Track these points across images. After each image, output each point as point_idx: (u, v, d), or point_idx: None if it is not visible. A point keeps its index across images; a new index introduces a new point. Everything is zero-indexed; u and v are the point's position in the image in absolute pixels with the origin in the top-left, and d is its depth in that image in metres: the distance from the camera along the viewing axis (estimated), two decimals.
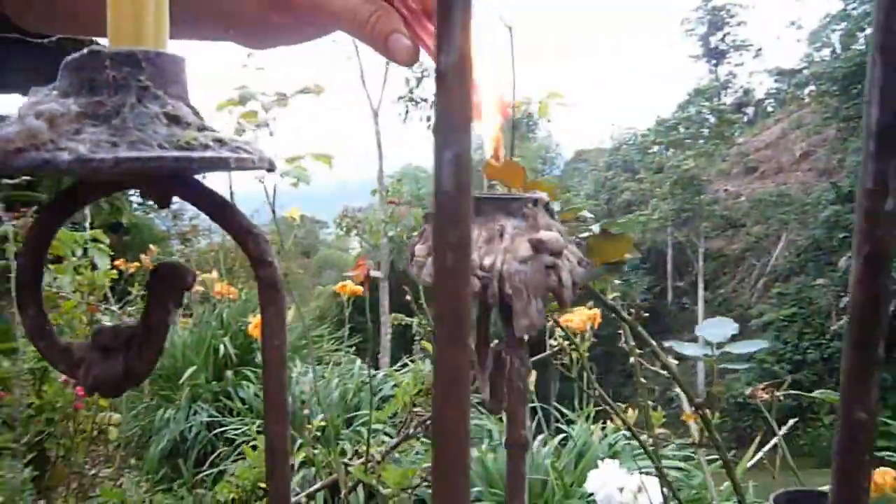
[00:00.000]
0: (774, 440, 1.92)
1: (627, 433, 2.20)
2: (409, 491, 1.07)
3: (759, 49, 26.36)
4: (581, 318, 1.40)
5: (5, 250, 3.34)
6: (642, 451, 1.25)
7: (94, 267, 3.11)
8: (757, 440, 1.55)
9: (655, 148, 22.09)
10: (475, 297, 0.26)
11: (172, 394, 3.19)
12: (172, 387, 3.22)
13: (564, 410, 2.93)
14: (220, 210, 0.21)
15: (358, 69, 11.19)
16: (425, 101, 12.45)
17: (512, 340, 0.25)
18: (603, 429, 2.67)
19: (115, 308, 2.63)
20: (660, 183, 20.13)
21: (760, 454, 1.58)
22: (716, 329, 0.60)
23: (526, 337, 0.25)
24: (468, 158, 0.11)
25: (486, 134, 0.31)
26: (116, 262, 5.30)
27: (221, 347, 3.27)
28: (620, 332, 0.98)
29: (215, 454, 2.79)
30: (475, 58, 0.32)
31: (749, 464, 2.22)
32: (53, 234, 0.20)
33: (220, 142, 0.18)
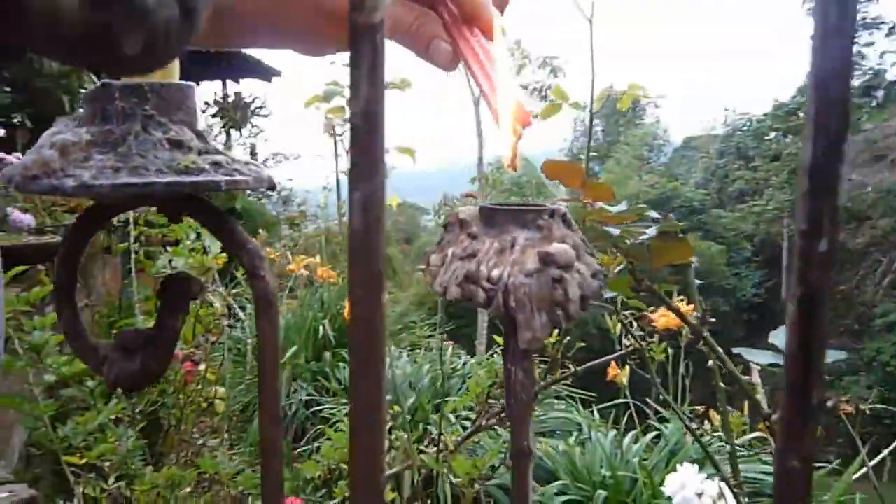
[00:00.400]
0: (885, 452, 1.79)
1: (720, 435, 2.11)
2: (480, 481, 1.08)
3: (893, 27, 24.25)
4: (670, 317, 1.35)
5: (129, 232, 3.62)
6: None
7: (205, 251, 3.32)
8: (864, 450, 1.45)
9: (772, 134, 20.89)
10: (481, 308, 0.26)
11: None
12: None
13: (658, 408, 2.85)
14: (220, 227, 0.22)
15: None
16: (526, 88, 12.33)
17: (516, 353, 0.25)
18: (698, 428, 2.58)
19: (221, 290, 2.79)
20: (776, 171, 19.04)
21: (869, 466, 1.48)
22: None
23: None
24: (377, 199, 0.12)
25: (503, 142, 0.31)
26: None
27: (321, 329, 3.40)
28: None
29: (313, 431, 2.92)
30: (494, 65, 0.32)
31: (856, 475, 2.08)
32: (83, 247, 0.23)
33: (217, 165, 0.20)
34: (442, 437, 1.26)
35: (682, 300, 1.29)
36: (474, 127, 12.18)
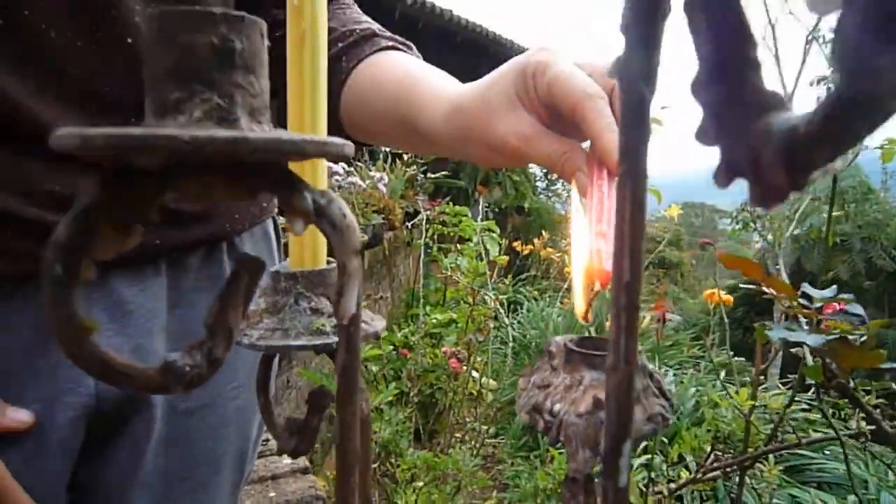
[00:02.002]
0: None
1: None
2: None
3: None
4: None
5: (425, 231, 4.06)
6: None
7: (486, 252, 3.60)
8: None
9: None
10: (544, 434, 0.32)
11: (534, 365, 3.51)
12: (535, 361, 3.54)
13: None
14: None
15: (772, 50, 10.23)
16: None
17: (568, 478, 0.31)
18: None
19: (489, 294, 2.99)
20: None
21: None
22: None
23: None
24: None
25: (579, 296, 0.36)
26: (514, 243, 5.94)
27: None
28: None
29: None
30: (607, 211, 0.36)
31: None
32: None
33: (336, 327, 0.30)
34: (657, 481, 1.25)
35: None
36: None
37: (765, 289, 0.56)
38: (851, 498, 2.20)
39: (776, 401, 1.37)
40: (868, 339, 0.52)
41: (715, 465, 1.06)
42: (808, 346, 0.54)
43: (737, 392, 1.13)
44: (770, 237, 12.80)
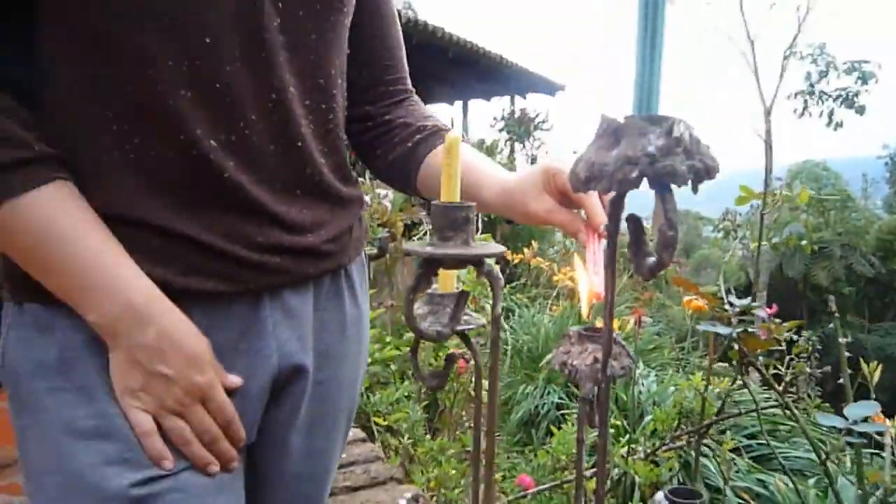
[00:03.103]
0: None
1: None
2: (657, 485, 1.33)
3: None
4: None
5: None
6: None
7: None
8: None
9: None
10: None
11: (533, 373, 3.79)
12: (534, 367, 3.82)
13: None
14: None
15: (752, 66, 10.68)
16: (828, 94, 11.22)
17: (580, 398, 0.58)
18: None
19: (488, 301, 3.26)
20: None
21: None
22: (859, 410, 0.74)
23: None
24: None
25: (584, 306, 0.63)
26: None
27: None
28: None
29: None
30: (598, 260, 0.64)
31: None
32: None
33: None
34: (637, 448, 1.54)
35: None
36: (763, 135, 11.47)
37: (697, 300, 0.83)
38: (811, 481, 2.49)
39: (723, 382, 1.66)
40: (774, 328, 0.78)
41: (678, 433, 1.32)
42: (722, 335, 0.80)
43: (692, 374, 1.41)
44: (752, 245, 13.08)
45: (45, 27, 0.60)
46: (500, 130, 10.53)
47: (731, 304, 0.97)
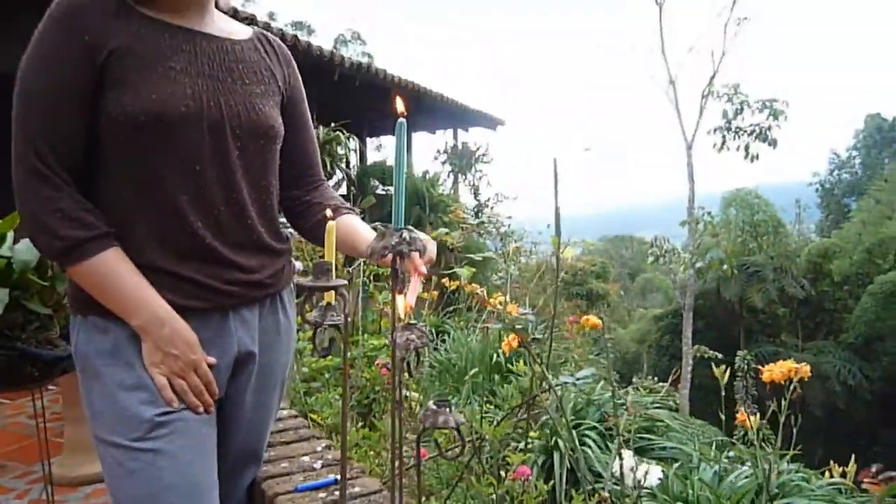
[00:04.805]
0: None
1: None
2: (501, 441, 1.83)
3: None
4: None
5: (362, 271, 4.72)
6: None
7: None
8: None
9: None
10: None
11: (459, 386, 4.29)
12: (459, 381, 4.32)
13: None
14: None
15: (674, 103, 11.57)
16: (743, 130, 12.22)
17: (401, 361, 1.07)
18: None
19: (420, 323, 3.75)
20: None
21: None
22: None
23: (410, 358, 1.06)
24: None
25: (401, 308, 1.13)
26: (443, 279, 6.71)
27: (495, 356, 4.28)
28: None
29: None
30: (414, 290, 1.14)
31: None
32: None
33: None
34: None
35: None
36: (685, 169, 12.34)
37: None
38: (675, 465, 3.04)
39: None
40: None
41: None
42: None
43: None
44: (682, 270, 13.87)
45: (106, 167, 1.10)
46: (443, 163, 11.11)
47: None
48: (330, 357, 2.81)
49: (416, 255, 1.06)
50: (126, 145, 1.07)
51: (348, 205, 1.38)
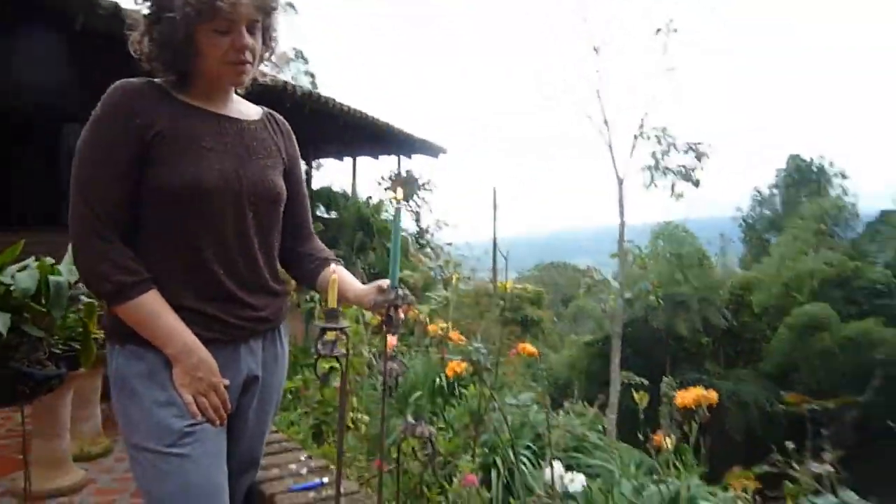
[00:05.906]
0: None
1: None
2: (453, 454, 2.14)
3: None
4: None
5: (310, 296, 4.95)
6: None
7: (363, 314, 4.60)
8: None
9: None
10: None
11: (403, 408, 4.56)
12: (403, 403, 4.58)
13: None
14: None
15: (608, 143, 12.29)
16: (670, 170, 13.04)
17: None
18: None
19: (364, 347, 4.01)
20: None
21: None
22: None
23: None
24: None
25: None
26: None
27: (437, 380, 4.57)
28: None
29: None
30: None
31: None
32: None
33: None
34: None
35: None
36: (616, 203, 13.07)
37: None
38: (599, 480, 3.39)
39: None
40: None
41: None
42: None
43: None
44: (611, 300, 14.48)
45: (146, 225, 1.36)
46: (387, 189, 11.38)
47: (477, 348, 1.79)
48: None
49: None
50: (164, 209, 1.34)
51: (333, 255, 1.66)
